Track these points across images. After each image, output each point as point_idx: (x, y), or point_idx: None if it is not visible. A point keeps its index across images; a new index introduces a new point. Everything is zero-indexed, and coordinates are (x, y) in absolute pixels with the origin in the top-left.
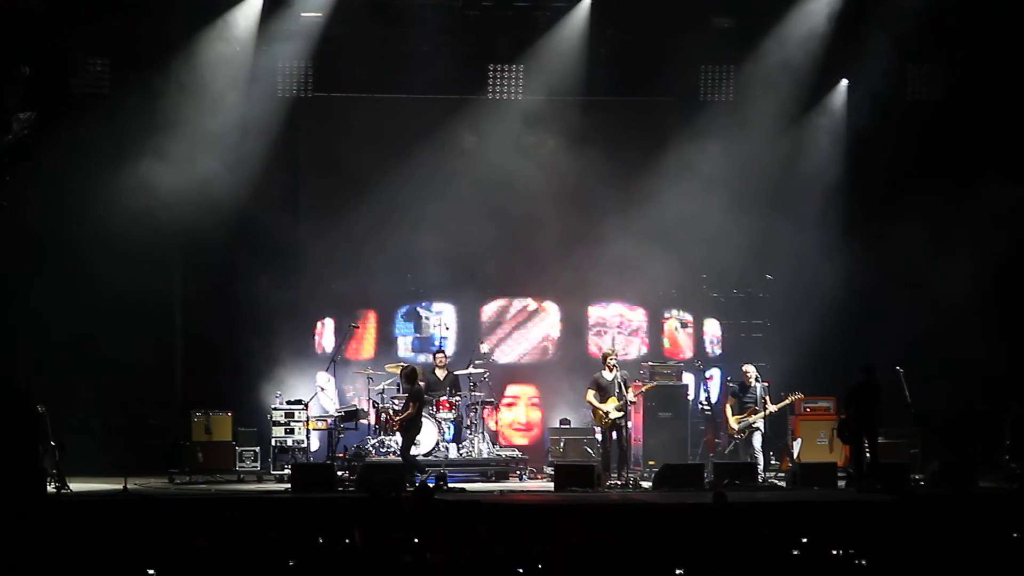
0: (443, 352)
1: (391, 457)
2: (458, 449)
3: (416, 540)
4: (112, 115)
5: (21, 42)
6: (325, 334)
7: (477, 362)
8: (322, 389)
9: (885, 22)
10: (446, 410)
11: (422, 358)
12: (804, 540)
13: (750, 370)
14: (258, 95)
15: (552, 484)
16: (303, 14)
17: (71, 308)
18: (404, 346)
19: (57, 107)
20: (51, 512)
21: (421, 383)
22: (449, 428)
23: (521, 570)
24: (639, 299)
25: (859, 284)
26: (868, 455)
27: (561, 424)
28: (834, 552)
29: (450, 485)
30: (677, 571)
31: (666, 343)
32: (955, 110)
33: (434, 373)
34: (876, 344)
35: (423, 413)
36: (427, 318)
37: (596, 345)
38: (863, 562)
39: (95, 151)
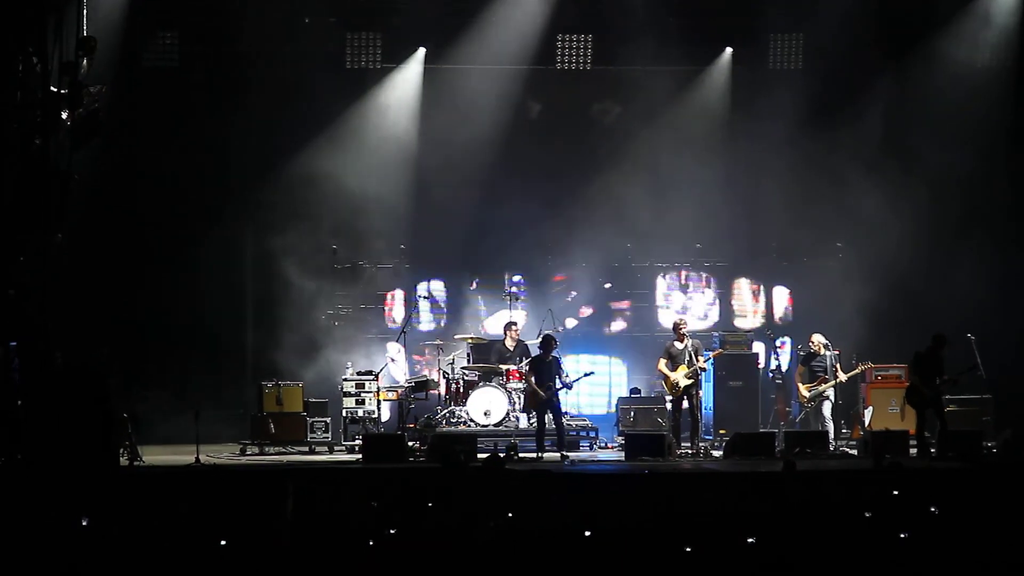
0: (515, 324)
1: (461, 427)
2: (528, 419)
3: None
4: (181, 87)
5: (91, 16)
6: (395, 305)
7: (545, 331)
8: (392, 360)
9: None
10: (516, 380)
11: (492, 329)
12: (896, 493)
13: (820, 339)
14: (327, 66)
15: (623, 453)
16: None
17: (140, 280)
18: (473, 317)
19: (127, 80)
20: (123, 483)
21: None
22: (520, 398)
23: (588, 534)
24: (709, 267)
25: (929, 252)
26: (939, 424)
27: (631, 393)
28: (901, 536)
29: (521, 455)
30: (748, 540)
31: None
32: None
33: (504, 344)
34: (947, 311)
35: (493, 382)
36: (496, 289)
37: (666, 314)
38: (934, 509)
39: (165, 123)
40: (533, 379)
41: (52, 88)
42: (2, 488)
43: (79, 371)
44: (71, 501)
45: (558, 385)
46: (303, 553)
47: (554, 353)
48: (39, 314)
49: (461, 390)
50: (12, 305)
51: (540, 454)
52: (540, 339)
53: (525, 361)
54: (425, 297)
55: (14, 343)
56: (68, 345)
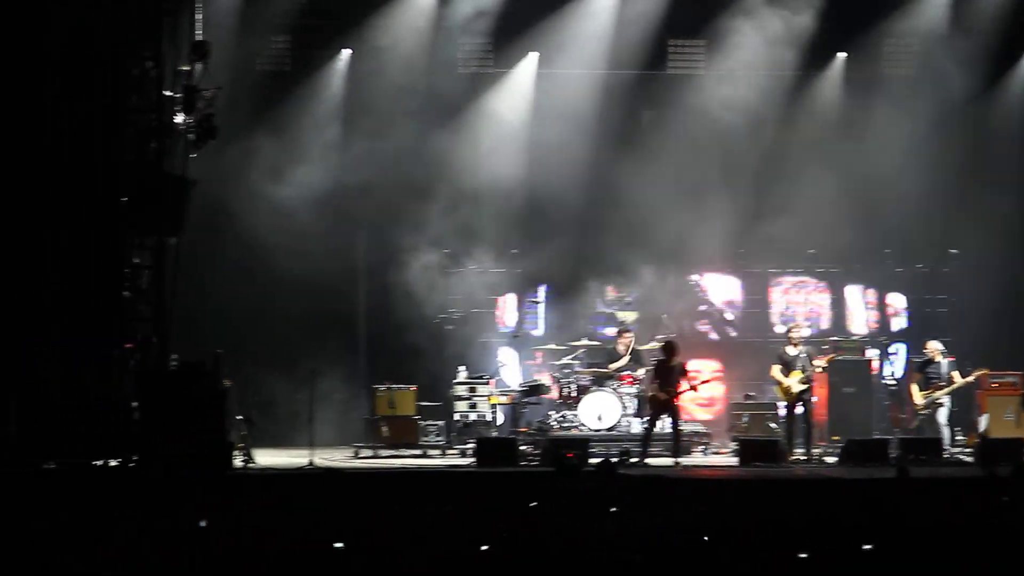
0: (629, 331)
1: (573, 432)
2: (642, 423)
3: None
4: (294, 92)
5: (205, 20)
6: (507, 309)
7: (659, 336)
8: (504, 364)
9: None
10: (628, 384)
11: (606, 335)
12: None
13: (935, 346)
14: (440, 71)
15: (736, 459)
16: None
17: (255, 285)
18: (585, 321)
19: (241, 85)
20: (238, 485)
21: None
22: (632, 402)
23: (706, 538)
24: (822, 273)
25: None
26: None
27: (745, 399)
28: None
29: (633, 460)
30: (864, 547)
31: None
32: None
33: (616, 348)
34: None
35: (605, 387)
36: (608, 294)
37: (780, 319)
38: None
39: (278, 128)
40: (657, 384)
41: (167, 92)
42: (119, 490)
43: (194, 374)
44: (186, 504)
45: (682, 388)
46: (415, 557)
47: (677, 359)
48: (155, 316)
49: (573, 394)
50: (128, 307)
51: (644, 459)
52: (662, 344)
53: (636, 365)
54: (536, 301)
55: (130, 345)
56: (184, 348)
